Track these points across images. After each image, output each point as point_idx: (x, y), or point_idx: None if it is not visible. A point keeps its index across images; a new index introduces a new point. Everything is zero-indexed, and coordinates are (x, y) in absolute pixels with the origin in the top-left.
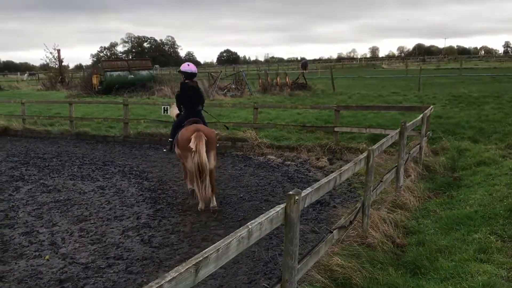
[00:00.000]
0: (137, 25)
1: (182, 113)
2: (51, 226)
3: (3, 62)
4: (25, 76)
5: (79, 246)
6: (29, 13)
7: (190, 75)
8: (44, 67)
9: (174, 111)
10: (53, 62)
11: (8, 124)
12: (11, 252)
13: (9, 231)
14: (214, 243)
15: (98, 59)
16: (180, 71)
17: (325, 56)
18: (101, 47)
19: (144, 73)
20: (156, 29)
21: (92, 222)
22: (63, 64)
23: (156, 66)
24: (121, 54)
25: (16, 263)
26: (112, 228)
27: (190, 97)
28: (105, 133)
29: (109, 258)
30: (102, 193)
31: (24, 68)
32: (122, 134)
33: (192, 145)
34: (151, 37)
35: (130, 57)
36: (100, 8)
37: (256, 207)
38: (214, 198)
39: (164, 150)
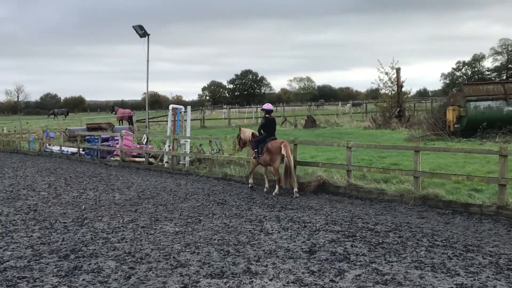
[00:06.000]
0: None
1: (262, 135)
2: None
3: (318, 87)
4: (347, 107)
5: None
6: (350, 17)
7: (269, 111)
8: (374, 95)
9: (247, 133)
10: (389, 86)
11: (327, 175)
12: None
13: None
14: None
15: (452, 81)
16: (262, 109)
17: None
18: (458, 62)
19: None
20: None
21: None
22: (402, 89)
23: None
24: (488, 73)
25: None
26: None
27: (270, 126)
28: (467, 199)
29: None
30: None
31: (345, 96)
32: (494, 202)
33: (283, 151)
34: None
35: (505, 78)
36: (454, 3)
37: None
38: (296, 184)
39: (252, 157)
